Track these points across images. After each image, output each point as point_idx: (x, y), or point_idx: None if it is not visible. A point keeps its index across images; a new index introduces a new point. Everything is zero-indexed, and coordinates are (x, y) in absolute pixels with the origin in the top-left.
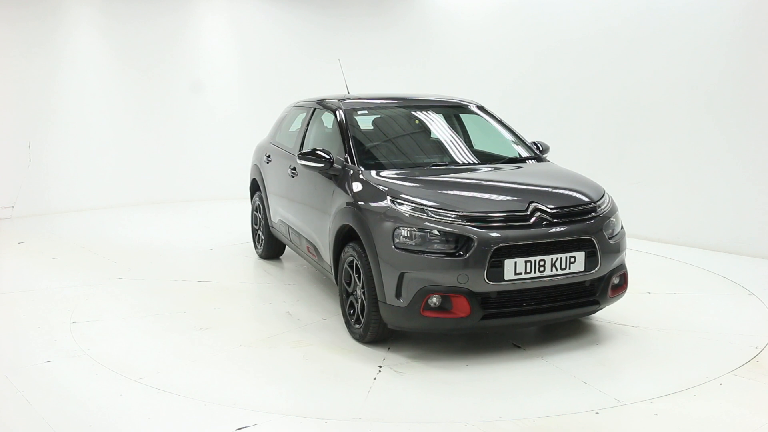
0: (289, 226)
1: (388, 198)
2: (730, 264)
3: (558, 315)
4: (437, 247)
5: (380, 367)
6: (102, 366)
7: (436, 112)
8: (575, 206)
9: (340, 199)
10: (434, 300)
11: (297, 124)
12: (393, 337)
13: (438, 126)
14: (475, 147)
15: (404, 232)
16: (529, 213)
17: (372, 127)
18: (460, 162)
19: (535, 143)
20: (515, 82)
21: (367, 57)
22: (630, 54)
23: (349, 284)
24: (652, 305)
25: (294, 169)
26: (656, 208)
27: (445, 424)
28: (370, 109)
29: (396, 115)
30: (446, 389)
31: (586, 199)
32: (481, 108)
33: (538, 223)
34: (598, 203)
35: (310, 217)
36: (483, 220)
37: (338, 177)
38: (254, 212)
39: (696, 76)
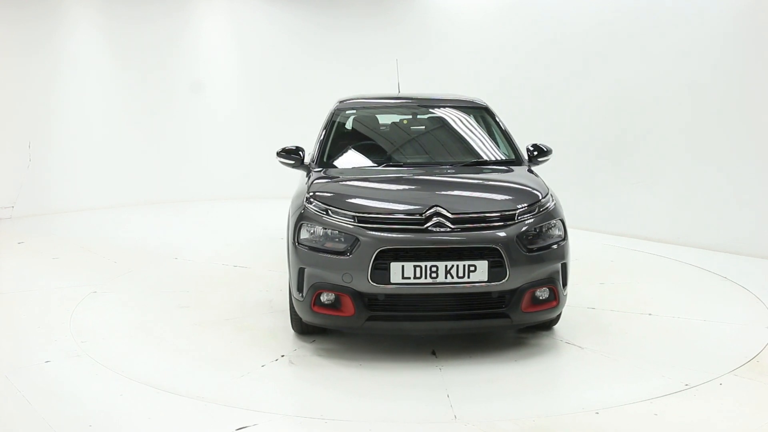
0: None
1: (305, 196)
2: (730, 264)
3: (457, 325)
4: (330, 245)
5: (282, 355)
6: (102, 366)
7: (440, 112)
8: (481, 213)
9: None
10: (328, 297)
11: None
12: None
13: (429, 126)
14: (461, 147)
15: (306, 229)
16: (424, 217)
17: (356, 127)
18: (418, 163)
19: (534, 146)
20: (515, 81)
21: (367, 57)
22: (630, 53)
23: None
24: (652, 305)
25: None
26: (656, 208)
27: (446, 424)
28: (364, 108)
29: (386, 115)
30: (339, 385)
31: (503, 207)
32: (485, 108)
33: (432, 229)
34: (517, 212)
35: None
36: (375, 222)
37: (306, 174)
38: None
39: (696, 76)
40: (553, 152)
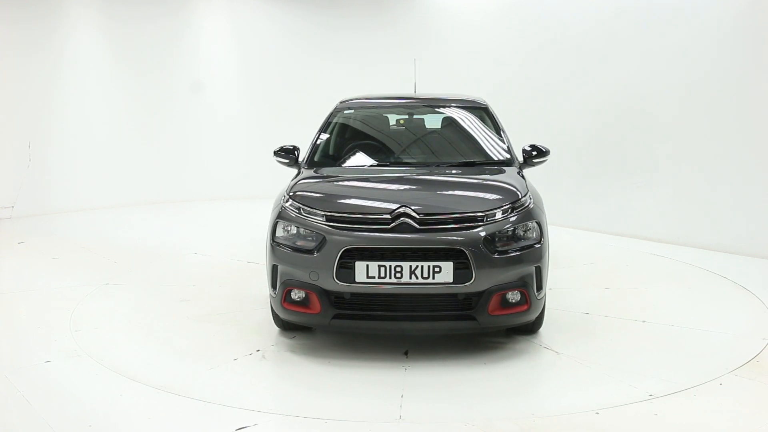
0: None
1: (284, 195)
2: (730, 264)
3: (423, 326)
4: (301, 244)
5: (258, 350)
6: (102, 366)
7: (438, 112)
8: (449, 215)
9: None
10: (298, 294)
11: None
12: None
13: (425, 126)
14: (452, 148)
15: (281, 228)
16: (391, 218)
17: (351, 127)
18: (405, 163)
19: (532, 146)
20: (515, 81)
21: (368, 57)
22: (630, 54)
23: None
24: (652, 305)
25: None
26: (656, 208)
27: (445, 424)
28: (362, 109)
29: (382, 115)
30: (308, 381)
31: (473, 209)
32: (483, 108)
33: (399, 229)
34: (487, 213)
35: None
36: (343, 222)
37: (296, 173)
38: None
39: (696, 76)
40: (553, 152)
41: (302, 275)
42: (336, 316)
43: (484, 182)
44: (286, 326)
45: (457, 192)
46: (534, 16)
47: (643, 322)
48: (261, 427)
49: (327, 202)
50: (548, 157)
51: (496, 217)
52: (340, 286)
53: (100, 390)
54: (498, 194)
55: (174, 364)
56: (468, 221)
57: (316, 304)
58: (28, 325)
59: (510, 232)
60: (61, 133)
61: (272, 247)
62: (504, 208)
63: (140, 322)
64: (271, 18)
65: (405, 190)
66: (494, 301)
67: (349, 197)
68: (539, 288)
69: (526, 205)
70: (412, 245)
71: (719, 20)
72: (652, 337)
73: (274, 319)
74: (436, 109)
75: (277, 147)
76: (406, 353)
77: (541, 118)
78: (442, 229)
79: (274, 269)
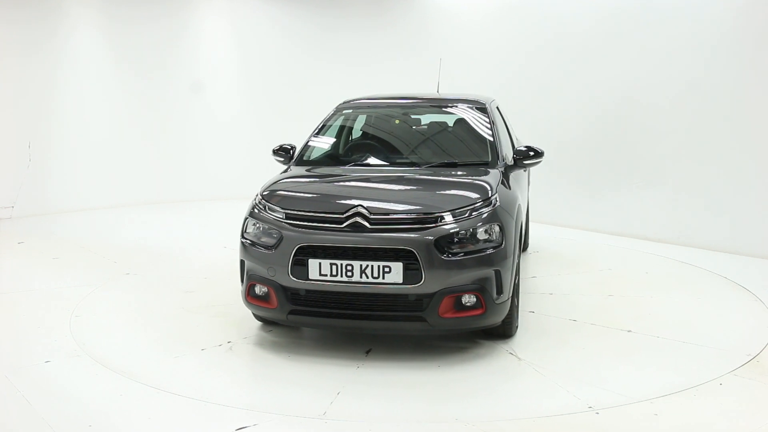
0: None
1: (258, 193)
2: (730, 264)
3: (375, 325)
4: (264, 240)
5: (229, 342)
6: (102, 366)
7: (435, 112)
8: (401, 215)
9: None
10: (261, 289)
11: None
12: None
13: (418, 126)
14: (438, 148)
15: (250, 225)
16: (344, 217)
17: (345, 127)
18: (386, 163)
19: (527, 147)
20: (514, 81)
21: (368, 57)
22: (630, 53)
23: None
24: (652, 305)
25: None
26: (656, 208)
27: (446, 424)
28: (359, 109)
29: (376, 116)
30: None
31: (427, 210)
32: (480, 108)
33: (351, 228)
34: (441, 215)
35: None
36: (300, 220)
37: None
38: None
39: (696, 76)
40: (553, 152)
41: (263, 271)
42: (292, 312)
43: (451, 183)
44: (263, 320)
45: (418, 193)
46: (534, 17)
47: (629, 331)
48: (261, 427)
49: (288, 200)
50: (542, 159)
51: (451, 219)
52: (295, 282)
53: (100, 390)
54: (459, 196)
55: (174, 363)
56: (420, 222)
57: (273, 299)
58: (28, 325)
59: (466, 234)
60: (61, 133)
61: (241, 243)
62: (461, 209)
63: (140, 322)
64: (271, 18)
65: (368, 189)
66: (445, 303)
67: (311, 196)
68: (500, 292)
69: (489, 207)
70: (362, 245)
71: (719, 20)
72: (626, 348)
73: (253, 314)
74: (433, 110)
75: (276, 146)
76: (367, 352)
77: (542, 118)
78: (394, 229)
79: (242, 264)
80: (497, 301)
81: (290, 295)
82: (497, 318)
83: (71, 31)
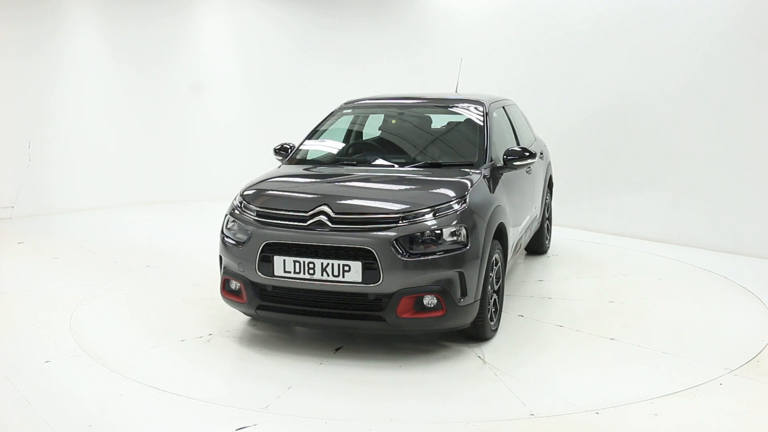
0: None
1: (240, 191)
2: (730, 264)
3: (336, 322)
4: (237, 237)
5: (210, 334)
6: (102, 366)
7: (431, 112)
8: (362, 215)
9: None
10: (235, 284)
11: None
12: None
13: (412, 126)
14: (425, 148)
15: (229, 222)
16: (309, 215)
17: (341, 127)
18: (366, 164)
19: (521, 148)
20: (514, 81)
21: (368, 57)
22: (630, 53)
23: None
24: (652, 305)
25: None
26: (656, 208)
27: (444, 424)
28: (358, 109)
29: (374, 116)
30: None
31: (389, 210)
32: (479, 109)
33: (314, 226)
34: (402, 215)
35: None
36: (268, 217)
37: None
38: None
39: (696, 76)
40: (553, 151)
41: (235, 267)
42: (260, 307)
43: (423, 184)
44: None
45: (386, 193)
46: (534, 17)
47: (611, 339)
48: (261, 427)
49: (261, 199)
50: (533, 160)
51: (413, 219)
52: (262, 278)
53: (100, 390)
54: (426, 197)
55: (173, 363)
56: (381, 222)
57: (244, 294)
58: (28, 325)
59: (428, 235)
60: (61, 133)
61: (220, 239)
62: (424, 210)
63: (140, 322)
64: (271, 18)
65: (339, 189)
66: (404, 303)
67: (283, 195)
68: (464, 294)
69: (456, 208)
70: (323, 243)
71: (719, 20)
72: (598, 356)
73: None
74: (428, 111)
75: (277, 145)
76: (337, 349)
77: (541, 117)
78: (354, 228)
79: (220, 260)
80: (460, 304)
81: (258, 290)
82: (462, 320)
83: (71, 31)
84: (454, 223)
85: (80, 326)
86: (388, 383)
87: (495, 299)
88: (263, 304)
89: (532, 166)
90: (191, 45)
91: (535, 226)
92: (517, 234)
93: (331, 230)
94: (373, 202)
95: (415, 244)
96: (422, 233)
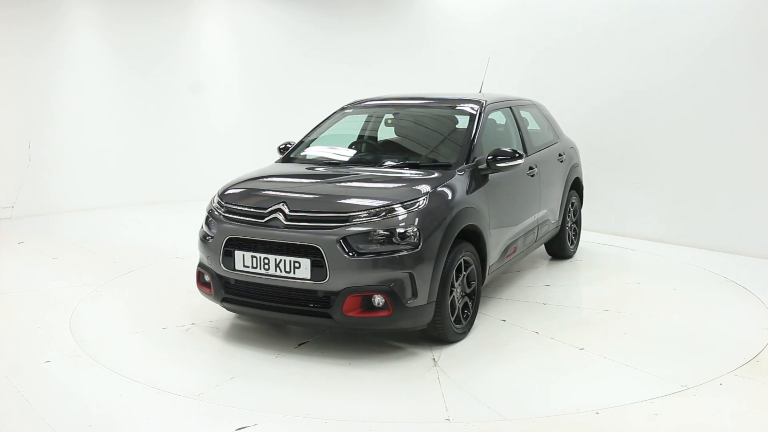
0: None
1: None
2: (730, 264)
3: (286, 317)
4: (210, 231)
5: (193, 324)
6: (102, 366)
7: (428, 113)
8: (313, 213)
9: None
10: (206, 276)
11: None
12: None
13: (406, 126)
14: (407, 149)
15: (206, 217)
16: (267, 212)
17: (338, 127)
18: (345, 164)
19: (513, 150)
20: (514, 81)
21: (368, 57)
22: (630, 53)
23: None
24: (652, 305)
25: None
26: (656, 208)
27: (443, 424)
28: (357, 109)
29: (369, 116)
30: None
31: (340, 210)
32: (475, 108)
33: (271, 224)
34: (352, 215)
35: None
36: (234, 213)
37: None
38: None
39: (696, 76)
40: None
41: (204, 259)
42: (224, 299)
43: (383, 184)
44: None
45: (346, 191)
46: (533, 19)
47: (580, 349)
48: (261, 427)
49: (232, 196)
50: (518, 162)
51: (363, 219)
52: (225, 271)
53: (100, 390)
54: (380, 197)
55: (172, 363)
56: (330, 221)
57: (212, 286)
58: (28, 325)
59: (376, 236)
60: (61, 133)
61: (199, 233)
62: (375, 210)
63: (140, 322)
64: (272, 18)
65: (300, 187)
66: (350, 302)
67: (249, 193)
68: (414, 295)
69: (409, 209)
70: (275, 239)
71: (719, 20)
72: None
73: None
74: (422, 111)
75: (281, 144)
76: (300, 344)
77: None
78: (306, 227)
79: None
80: (409, 305)
81: (223, 283)
82: (414, 322)
83: (71, 31)
84: (403, 224)
85: (80, 326)
86: (326, 378)
87: (467, 302)
88: (227, 297)
89: (544, 167)
90: (191, 45)
91: (549, 230)
92: (507, 237)
93: (285, 228)
94: (326, 201)
95: (363, 244)
96: (370, 233)
